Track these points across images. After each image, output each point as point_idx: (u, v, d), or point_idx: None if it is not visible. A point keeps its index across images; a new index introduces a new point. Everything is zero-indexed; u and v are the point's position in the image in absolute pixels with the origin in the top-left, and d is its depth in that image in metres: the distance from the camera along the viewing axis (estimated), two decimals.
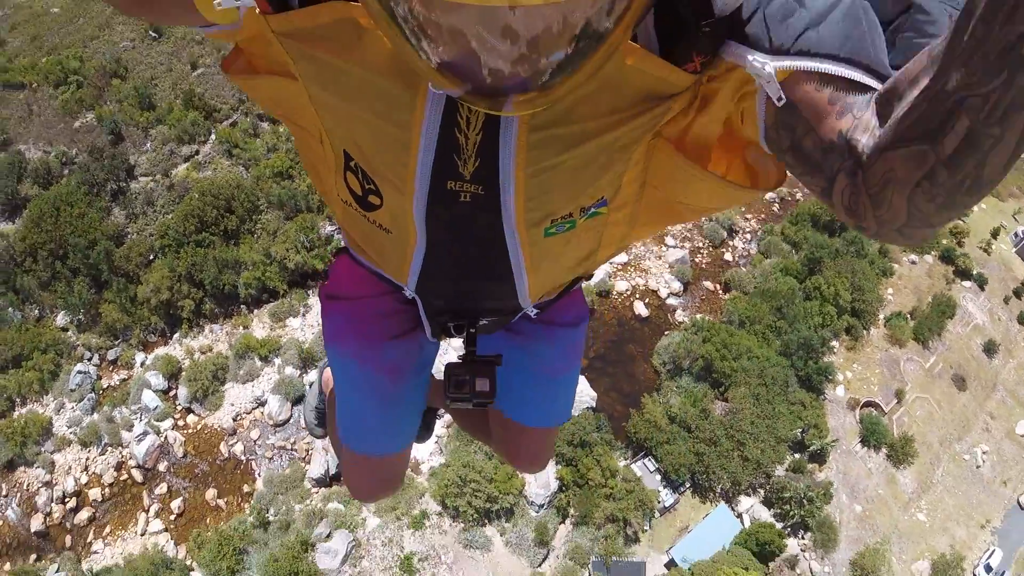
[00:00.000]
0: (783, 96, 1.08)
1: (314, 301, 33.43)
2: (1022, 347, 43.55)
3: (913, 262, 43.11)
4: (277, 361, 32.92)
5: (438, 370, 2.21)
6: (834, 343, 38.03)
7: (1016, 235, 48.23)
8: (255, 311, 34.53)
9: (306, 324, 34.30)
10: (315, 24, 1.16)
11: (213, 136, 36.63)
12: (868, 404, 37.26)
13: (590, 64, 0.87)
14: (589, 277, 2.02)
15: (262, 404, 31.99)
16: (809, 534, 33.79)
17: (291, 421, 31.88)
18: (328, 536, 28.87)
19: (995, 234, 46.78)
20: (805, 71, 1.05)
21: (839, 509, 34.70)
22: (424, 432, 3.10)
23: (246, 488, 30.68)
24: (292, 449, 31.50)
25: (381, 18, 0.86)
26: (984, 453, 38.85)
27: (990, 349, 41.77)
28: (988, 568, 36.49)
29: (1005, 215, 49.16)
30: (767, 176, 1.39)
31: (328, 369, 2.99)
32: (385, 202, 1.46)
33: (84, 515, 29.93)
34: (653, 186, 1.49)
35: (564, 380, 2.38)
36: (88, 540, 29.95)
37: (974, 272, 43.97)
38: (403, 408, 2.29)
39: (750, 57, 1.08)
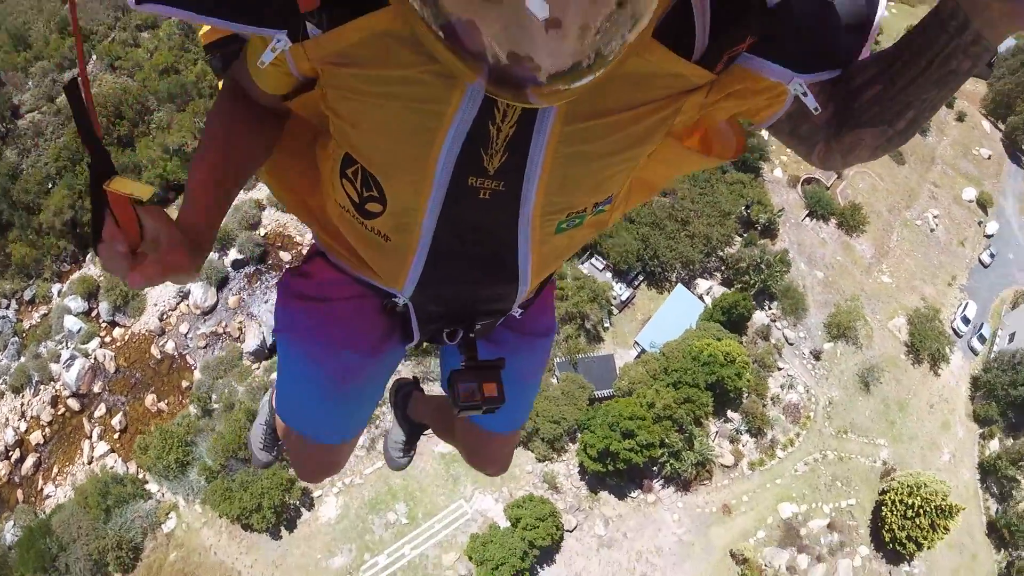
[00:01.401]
0: (818, 107, 1.28)
1: None
2: (953, 126, 43.81)
3: None
4: None
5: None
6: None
7: None
8: (165, 209, 33.68)
9: None
10: (347, 44, 1.18)
11: (94, 57, 36.40)
12: (809, 180, 36.83)
13: (621, 49, 0.91)
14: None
15: (186, 296, 30.78)
16: (776, 303, 32.81)
17: (218, 306, 30.67)
18: None
19: None
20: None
21: (800, 277, 33.89)
22: (407, 454, 3.26)
23: (185, 383, 29.46)
24: (224, 332, 30.26)
25: (415, 13, 0.90)
26: (935, 217, 38.50)
27: (923, 128, 41.79)
28: (966, 320, 35.72)
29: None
30: (728, 147, 1.58)
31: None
32: (389, 208, 1.44)
33: (30, 463, 28.65)
34: (643, 176, 1.59)
35: (531, 387, 2.36)
36: (39, 487, 28.61)
37: None
38: (351, 407, 2.22)
39: (796, 79, 1.24)
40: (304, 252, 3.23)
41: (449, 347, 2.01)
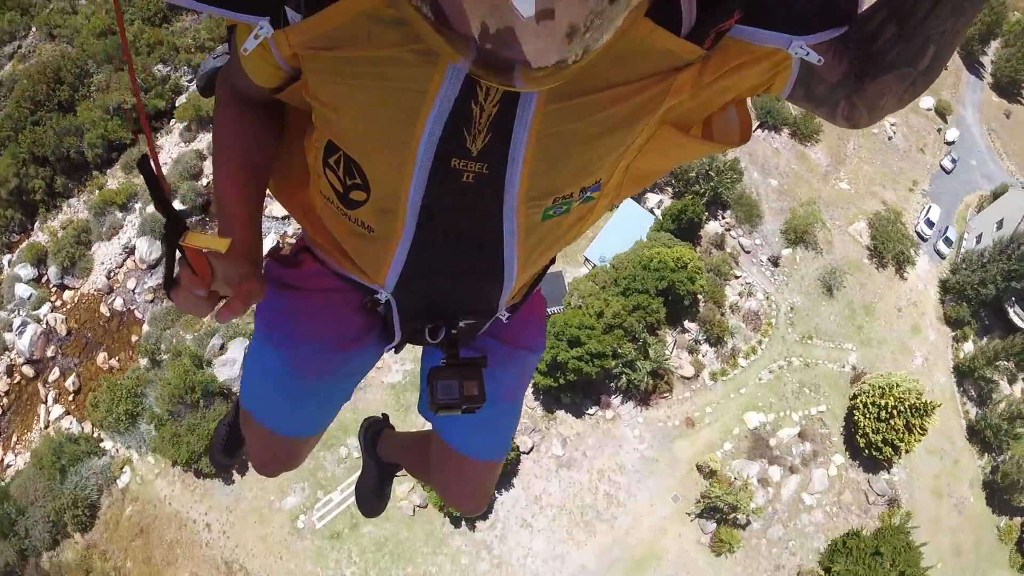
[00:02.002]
0: (821, 58, 1.19)
1: (165, 139, 31.31)
2: None
3: None
4: (137, 205, 30.85)
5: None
6: None
7: None
8: (108, 171, 32.69)
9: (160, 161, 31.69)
10: (329, 28, 1.16)
11: (33, 29, 35.79)
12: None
13: (610, 37, 0.90)
14: (548, 267, 1.96)
15: (131, 252, 30.22)
16: (729, 212, 31.38)
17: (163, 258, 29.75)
18: (222, 348, 26.97)
19: None
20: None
21: (754, 185, 32.51)
22: (379, 501, 3.20)
23: (134, 337, 29.01)
24: None
25: None
26: (892, 125, 37.26)
27: None
28: (930, 223, 34.45)
29: None
30: (731, 134, 1.47)
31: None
32: (372, 194, 1.42)
33: None
34: (638, 165, 1.47)
35: (512, 406, 2.23)
36: (1, 459, 28.43)
37: None
38: (316, 402, 2.09)
39: (795, 42, 1.17)
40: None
41: (431, 350, 2.02)
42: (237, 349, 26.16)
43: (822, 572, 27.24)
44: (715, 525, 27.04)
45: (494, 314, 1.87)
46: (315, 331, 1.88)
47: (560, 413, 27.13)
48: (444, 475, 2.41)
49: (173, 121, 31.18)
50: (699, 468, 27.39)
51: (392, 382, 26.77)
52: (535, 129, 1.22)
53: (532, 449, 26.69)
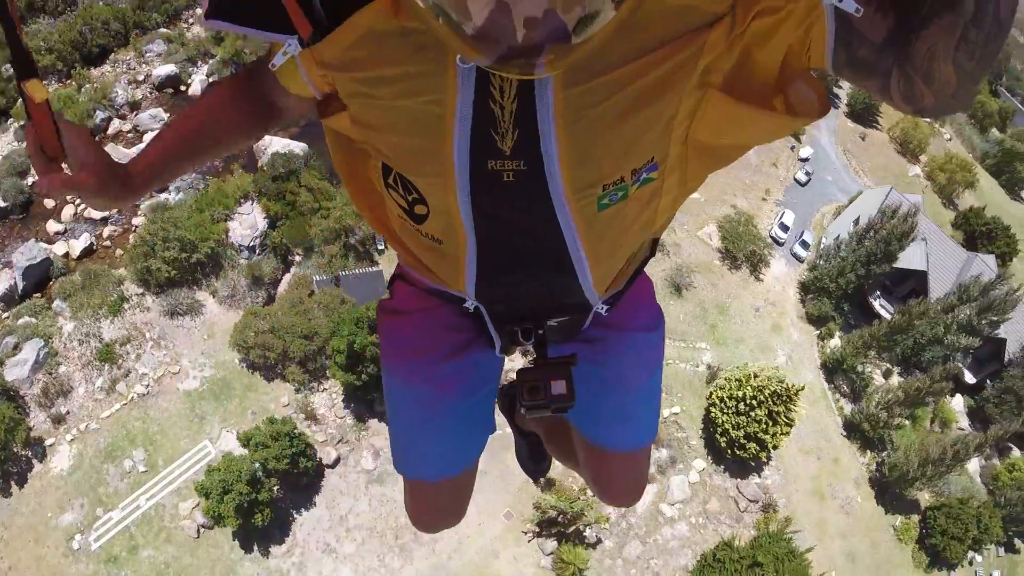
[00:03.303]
0: (860, 8, 1.07)
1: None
2: None
3: None
4: None
5: None
6: None
7: None
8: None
9: None
10: (342, 48, 1.20)
11: None
12: None
13: (618, 12, 0.88)
14: (651, 255, 1.95)
15: None
16: None
17: None
18: (15, 348, 24.17)
19: None
20: None
21: None
22: (538, 465, 3.04)
23: None
24: None
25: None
26: None
27: None
28: (784, 227, 33.70)
29: None
30: (809, 107, 1.31)
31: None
32: (431, 206, 1.42)
33: None
34: (699, 138, 1.38)
35: (647, 391, 2.18)
36: None
37: None
38: (456, 424, 2.07)
39: None
40: None
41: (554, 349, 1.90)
42: (30, 350, 23.47)
43: None
44: (555, 543, 23.47)
45: (589, 308, 1.80)
46: (424, 346, 1.91)
47: (373, 422, 24.19)
48: (594, 473, 2.34)
49: (10, 120, 28.33)
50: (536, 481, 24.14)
51: (188, 389, 23.88)
52: (560, 117, 1.18)
53: (338, 462, 23.43)
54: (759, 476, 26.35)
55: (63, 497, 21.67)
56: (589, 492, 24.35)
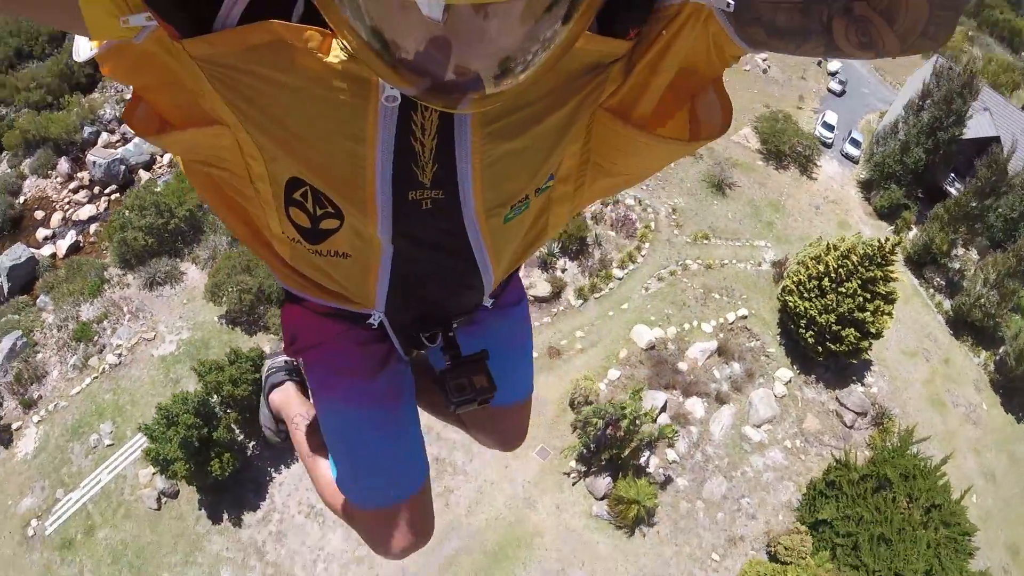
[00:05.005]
0: (731, 1, 1.06)
1: None
2: None
3: None
4: None
5: None
6: None
7: None
8: None
9: None
10: (245, 46, 1.07)
11: None
12: None
13: (551, 59, 0.85)
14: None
15: None
16: None
17: None
18: None
19: None
20: None
21: None
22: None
23: None
24: None
25: (339, 21, 0.82)
26: (764, 60, 33.08)
27: None
28: (828, 127, 29.08)
29: None
30: (711, 125, 1.37)
31: (277, 391, 2.81)
32: (346, 222, 1.38)
33: None
34: (597, 163, 1.48)
35: (527, 351, 2.35)
36: None
37: None
38: (407, 436, 2.10)
39: None
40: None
41: (433, 351, 2.03)
42: (7, 341, 21.43)
43: (805, 530, 17.40)
44: (609, 480, 17.63)
45: (479, 305, 1.93)
46: (355, 366, 1.94)
47: None
48: (490, 429, 2.48)
49: (3, 153, 27.34)
50: (573, 406, 18.54)
51: (163, 354, 19.49)
52: (477, 151, 1.22)
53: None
54: (861, 384, 20.58)
55: (24, 482, 18.87)
56: (643, 398, 18.78)
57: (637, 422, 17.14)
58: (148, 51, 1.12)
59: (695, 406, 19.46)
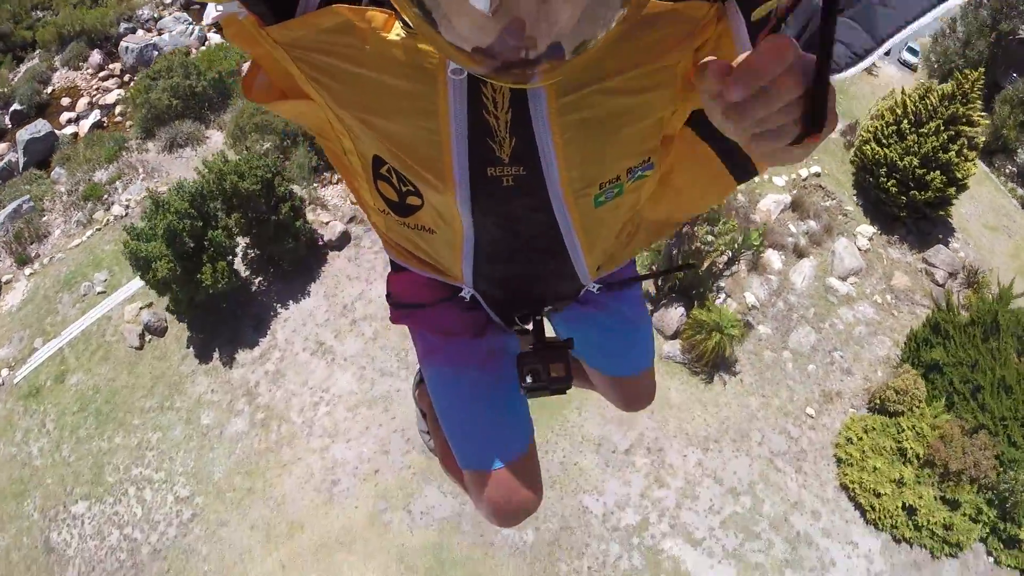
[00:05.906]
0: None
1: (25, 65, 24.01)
2: None
3: None
4: None
5: None
6: None
7: None
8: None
9: None
10: (317, 31, 1.11)
11: None
12: None
13: (616, 26, 0.83)
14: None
15: None
16: None
17: None
18: None
19: None
20: None
21: None
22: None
23: None
24: None
25: (404, 3, 0.82)
26: None
27: None
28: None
29: None
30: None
31: (420, 386, 2.81)
32: (426, 200, 1.39)
33: None
34: (668, 132, 1.41)
35: (642, 326, 2.34)
36: None
37: None
38: (512, 398, 2.04)
39: None
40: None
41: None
42: (13, 204, 20.11)
43: (917, 373, 14.87)
44: (682, 310, 14.95)
45: (580, 291, 1.88)
46: (456, 329, 1.92)
47: None
48: (616, 395, 2.53)
49: (38, 50, 26.48)
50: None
51: None
52: (555, 124, 1.18)
53: (347, 241, 15.36)
54: (946, 247, 18.38)
55: (3, 334, 17.18)
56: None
57: (714, 232, 14.53)
58: (249, 28, 1.13)
59: (771, 257, 17.00)
